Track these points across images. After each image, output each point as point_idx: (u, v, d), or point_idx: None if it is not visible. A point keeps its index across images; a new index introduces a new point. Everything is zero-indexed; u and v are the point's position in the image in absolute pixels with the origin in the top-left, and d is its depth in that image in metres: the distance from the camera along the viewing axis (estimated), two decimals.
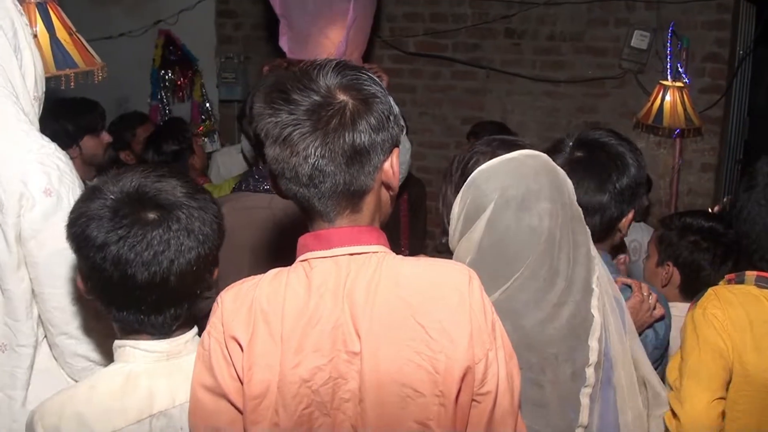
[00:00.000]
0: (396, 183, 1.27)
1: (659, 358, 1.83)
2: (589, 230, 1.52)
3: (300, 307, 1.17)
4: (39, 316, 1.60)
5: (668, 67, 4.24)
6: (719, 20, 4.35)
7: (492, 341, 1.19)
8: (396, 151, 1.25)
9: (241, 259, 2.01)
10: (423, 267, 1.22)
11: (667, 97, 4.11)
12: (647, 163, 4.15)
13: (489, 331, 1.18)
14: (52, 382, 1.60)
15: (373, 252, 1.22)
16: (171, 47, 5.25)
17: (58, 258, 1.52)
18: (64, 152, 1.59)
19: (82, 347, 1.60)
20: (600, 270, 1.50)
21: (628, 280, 1.81)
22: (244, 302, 1.20)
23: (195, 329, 1.41)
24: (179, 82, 5.26)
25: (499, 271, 1.42)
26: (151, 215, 1.28)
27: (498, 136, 1.62)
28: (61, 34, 2.49)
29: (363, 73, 1.22)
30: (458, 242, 1.49)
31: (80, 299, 1.56)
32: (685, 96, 4.12)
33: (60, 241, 1.47)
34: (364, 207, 1.23)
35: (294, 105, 1.17)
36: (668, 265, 2.35)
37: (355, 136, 1.17)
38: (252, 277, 1.25)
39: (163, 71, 5.27)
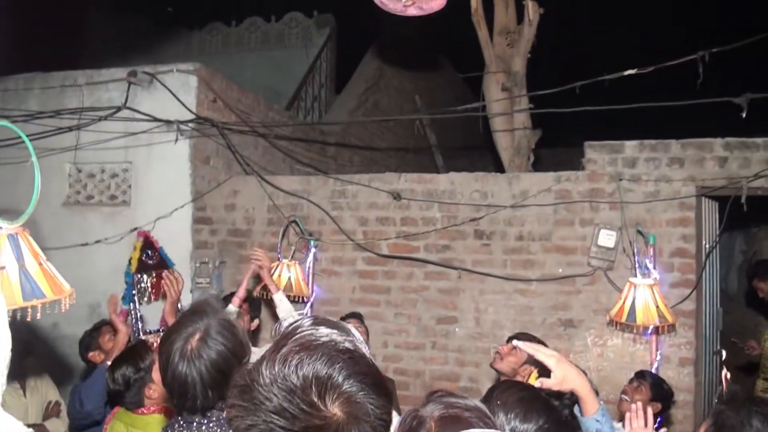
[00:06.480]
0: None
1: None
2: None
3: None
4: None
5: (636, 264, 4.33)
6: (683, 218, 4.51)
7: None
8: None
9: None
10: None
11: (638, 295, 4.14)
12: (627, 362, 4.14)
13: None
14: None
15: None
16: (149, 251, 5.26)
17: None
18: None
19: None
20: None
21: None
22: None
23: None
24: (153, 285, 5.24)
25: None
26: None
27: (450, 399, 1.53)
28: (30, 264, 2.48)
29: (360, 379, 1.22)
30: None
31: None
32: (656, 293, 4.16)
33: None
34: None
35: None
36: None
37: None
38: None
39: (138, 275, 5.25)
